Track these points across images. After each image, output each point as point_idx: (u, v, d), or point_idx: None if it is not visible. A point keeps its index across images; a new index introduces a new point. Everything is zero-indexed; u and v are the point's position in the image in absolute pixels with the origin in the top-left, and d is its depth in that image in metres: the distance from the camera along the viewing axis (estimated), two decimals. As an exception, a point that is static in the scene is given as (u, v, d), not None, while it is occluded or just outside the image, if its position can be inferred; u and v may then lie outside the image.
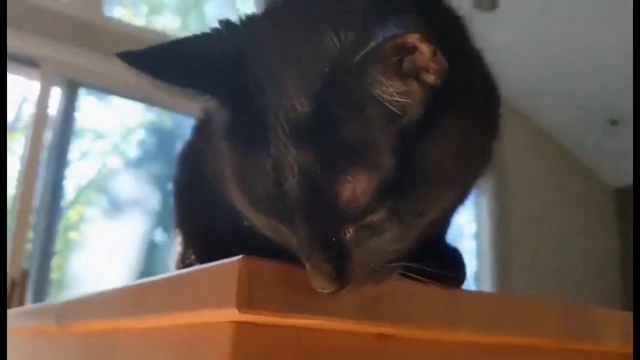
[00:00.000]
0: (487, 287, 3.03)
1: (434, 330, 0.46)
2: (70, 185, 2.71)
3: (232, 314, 0.36)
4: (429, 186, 0.42)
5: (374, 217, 0.41)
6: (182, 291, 0.41)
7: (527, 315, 0.52)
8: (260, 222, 0.45)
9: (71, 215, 2.83)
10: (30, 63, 2.22)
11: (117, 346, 0.55)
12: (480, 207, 3.19)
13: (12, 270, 1.96)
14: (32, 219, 2.18)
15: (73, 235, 2.80)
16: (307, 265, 0.39)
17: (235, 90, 0.44)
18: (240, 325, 0.38)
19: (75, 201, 2.85)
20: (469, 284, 0.60)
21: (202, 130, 0.69)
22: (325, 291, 0.39)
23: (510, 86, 3.05)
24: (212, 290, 0.36)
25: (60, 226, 2.64)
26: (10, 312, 0.89)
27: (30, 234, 2.15)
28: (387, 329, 0.43)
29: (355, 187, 0.39)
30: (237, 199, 0.45)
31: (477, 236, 3.19)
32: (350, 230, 0.41)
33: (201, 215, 0.52)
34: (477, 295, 0.49)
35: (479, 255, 3.15)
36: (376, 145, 0.40)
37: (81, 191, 2.87)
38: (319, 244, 0.40)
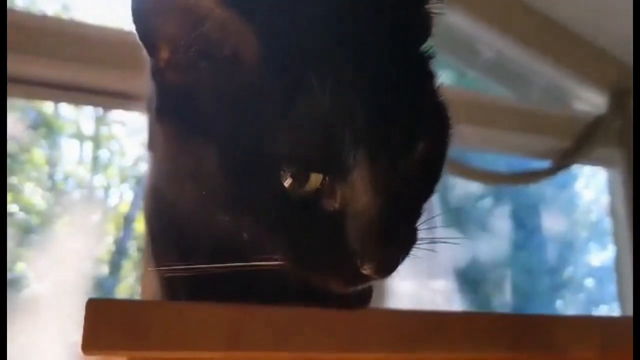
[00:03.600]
0: (628, 280, 2.78)
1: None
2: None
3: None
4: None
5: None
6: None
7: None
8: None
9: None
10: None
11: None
12: (613, 182, 2.98)
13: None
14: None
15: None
16: (367, 247, 0.41)
17: None
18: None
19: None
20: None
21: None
22: (377, 278, 0.42)
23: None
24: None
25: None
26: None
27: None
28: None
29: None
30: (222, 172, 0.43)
31: (614, 219, 2.98)
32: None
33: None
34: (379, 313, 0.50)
35: (617, 242, 2.94)
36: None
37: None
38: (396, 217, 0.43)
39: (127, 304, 0.41)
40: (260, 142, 0.42)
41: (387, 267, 0.43)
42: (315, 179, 0.43)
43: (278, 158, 0.42)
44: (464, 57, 3.02)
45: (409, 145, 0.46)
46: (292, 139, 0.42)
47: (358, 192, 0.41)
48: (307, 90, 0.42)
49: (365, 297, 0.53)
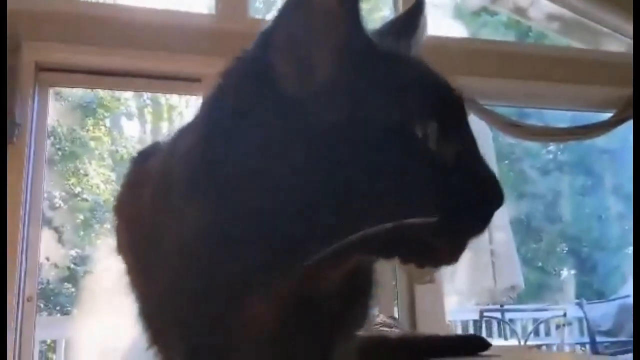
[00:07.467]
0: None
1: None
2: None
3: None
4: None
5: None
6: None
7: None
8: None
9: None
10: (193, 80, 2.44)
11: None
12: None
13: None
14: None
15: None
16: (490, 183, 0.49)
17: None
18: None
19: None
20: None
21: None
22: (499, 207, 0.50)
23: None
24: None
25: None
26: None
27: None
28: None
29: None
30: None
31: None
32: None
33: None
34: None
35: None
36: None
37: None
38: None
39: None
40: (393, 112, 0.49)
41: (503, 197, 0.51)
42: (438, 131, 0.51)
43: (410, 116, 0.49)
44: (522, 10, 2.91)
45: None
46: (418, 100, 0.50)
47: (470, 144, 0.52)
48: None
49: None
